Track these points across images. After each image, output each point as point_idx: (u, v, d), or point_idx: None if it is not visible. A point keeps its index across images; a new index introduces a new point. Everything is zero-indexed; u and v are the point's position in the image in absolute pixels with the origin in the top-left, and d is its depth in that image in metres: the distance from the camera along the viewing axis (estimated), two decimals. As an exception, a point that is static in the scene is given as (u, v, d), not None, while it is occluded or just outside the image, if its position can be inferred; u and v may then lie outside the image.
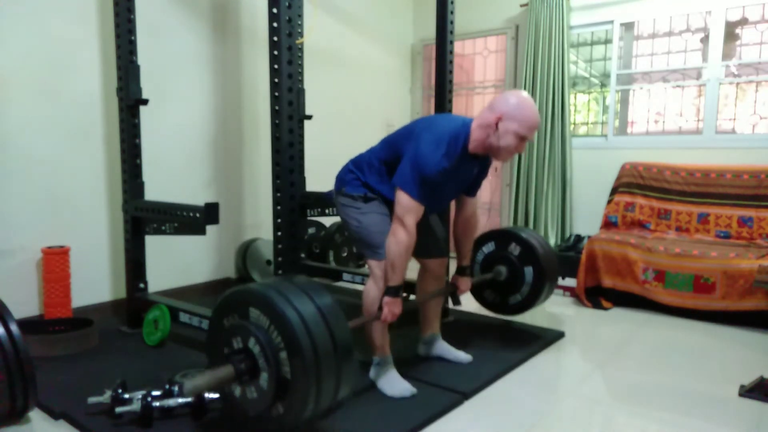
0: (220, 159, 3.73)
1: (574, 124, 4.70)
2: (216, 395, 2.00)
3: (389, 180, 2.16)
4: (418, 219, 2.07)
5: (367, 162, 2.25)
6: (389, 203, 2.18)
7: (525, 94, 2.07)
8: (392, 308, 2.10)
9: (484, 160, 2.26)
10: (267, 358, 1.54)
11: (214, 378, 1.55)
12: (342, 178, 2.29)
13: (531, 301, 2.84)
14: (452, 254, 2.58)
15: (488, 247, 2.93)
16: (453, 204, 2.50)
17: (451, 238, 2.62)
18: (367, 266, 2.26)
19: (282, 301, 1.55)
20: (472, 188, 2.36)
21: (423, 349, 2.58)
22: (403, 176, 2.03)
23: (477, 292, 3.00)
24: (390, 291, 2.09)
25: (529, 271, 2.81)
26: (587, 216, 4.45)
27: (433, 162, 2.00)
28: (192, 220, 2.52)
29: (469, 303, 3.60)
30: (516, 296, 2.86)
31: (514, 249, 2.85)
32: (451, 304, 3.24)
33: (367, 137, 4.82)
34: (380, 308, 2.12)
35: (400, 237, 2.03)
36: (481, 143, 2.09)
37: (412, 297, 2.74)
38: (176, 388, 1.98)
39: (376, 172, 2.21)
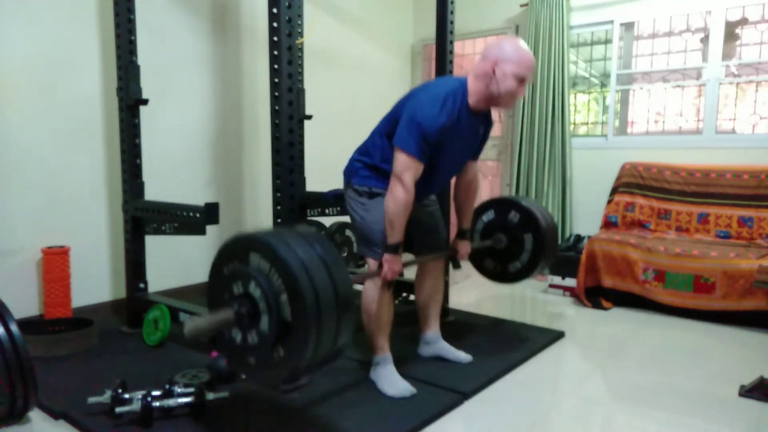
0: (220, 159, 3.73)
1: (574, 124, 4.70)
2: (215, 396, 2.00)
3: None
4: (417, 177, 2.06)
5: (370, 143, 2.25)
6: None
7: (516, 37, 2.08)
8: (392, 265, 2.09)
9: (486, 117, 2.25)
10: (268, 301, 1.50)
11: (215, 320, 1.53)
12: (349, 170, 2.29)
13: (531, 268, 2.78)
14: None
15: (488, 216, 2.88)
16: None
17: (452, 202, 2.60)
18: (366, 266, 2.26)
19: (283, 246, 1.52)
20: (476, 151, 2.36)
21: (423, 349, 2.58)
22: (401, 135, 2.03)
23: (477, 262, 2.94)
24: (389, 248, 2.09)
25: (528, 238, 2.76)
26: (587, 216, 4.45)
27: (431, 117, 2.00)
28: (192, 220, 2.52)
29: (469, 303, 3.61)
30: (516, 264, 2.81)
31: (514, 217, 2.80)
32: (451, 305, 3.25)
33: (367, 137, 4.83)
34: (381, 265, 2.11)
35: (397, 194, 2.02)
36: (481, 95, 2.10)
37: (412, 297, 2.74)
38: (176, 388, 1.99)
39: (379, 149, 2.19)
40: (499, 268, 2.88)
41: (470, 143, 2.26)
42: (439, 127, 2.01)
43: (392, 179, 2.05)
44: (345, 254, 4.21)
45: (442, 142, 2.08)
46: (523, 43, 2.07)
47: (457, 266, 2.54)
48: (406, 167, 2.02)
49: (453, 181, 2.51)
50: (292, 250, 1.52)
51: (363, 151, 2.27)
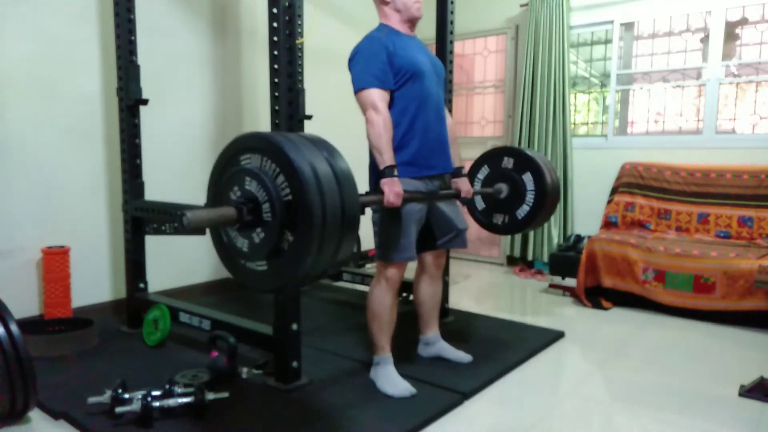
0: (220, 159, 3.73)
1: (574, 124, 4.70)
2: (215, 396, 2.00)
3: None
4: (386, 100, 2.10)
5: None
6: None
7: None
8: (392, 187, 2.02)
9: (421, 43, 2.33)
10: (270, 198, 1.45)
11: (216, 213, 1.47)
12: (372, 168, 2.25)
13: (539, 206, 2.71)
14: (454, 254, 2.57)
15: (483, 173, 2.84)
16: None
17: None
18: (376, 266, 2.25)
19: (296, 154, 1.45)
20: (442, 83, 2.39)
21: (423, 349, 2.58)
22: (354, 78, 2.11)
23: (487, 222, 2.88)
24: (384, 172, 2.05)
25: (527, 177, 2.72)
26: (587, 216, 4.45)
27: (368, 43, 2.11)
28: (192, 220, 2.52)
29: (469, 303, 3.60)
30: (523, 207, 2.74)
31: (508, 162, 2.77)
32: (450, 305, 3.25)
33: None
34: (381, 192, 2.04)
35: (372, 119, 2.06)
36: (397, 20, 2.22)
37: (411, 297, 2.74)
38: (176, 388, 1.99)
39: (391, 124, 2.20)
40: (509, 218, 2.81)
41: (429, 57, 2.30)
42: (381, 44, 2.10)
43: (365, 113, 2.09)
44: (345, 254, 4.21)
45: (399, 55, 2.12)
46: None
47: (464, 203, 2.57)
48: (371, 96, 2.07)
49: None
50: (302, 155, 1.45)
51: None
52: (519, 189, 2.74)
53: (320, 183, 1.42)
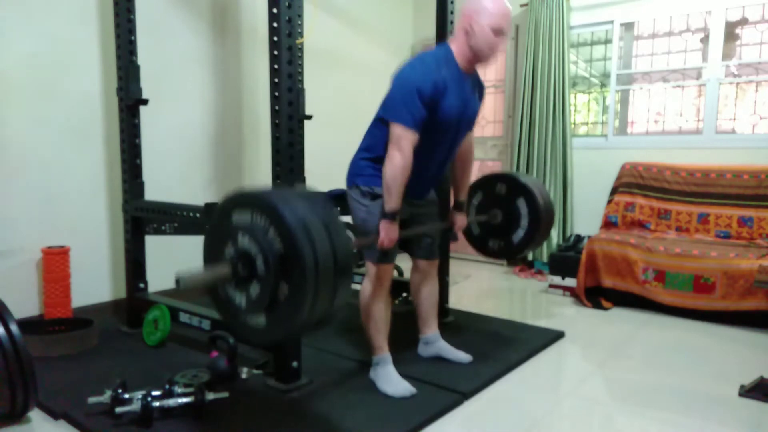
0: (220, 159, 3.73)
1: (574, 124, 4.70)
2: (215, 396, 2.00)
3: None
4: (414, 144, 2.04)
5: (369, 137, 2.22)
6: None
7: None
8: (389, 233, 2.07)
9: (477, 79, 2.26)
10: (266, 260, 1.48)
11: (211, 274, 1.52)
12: (354, 171, 2.26)
13: (533, 230, 2.75)
14: (454, 254, 2.57)
15: (477, 198, 2.88)
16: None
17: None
18: (365, 266, 2.26)
19: (284, 205, 1.49)
20: (472, 118, 2.34)
21: (423, 349, 2.58)
22: (392, 107, 2.04)
23: (482, 247, 2.92)
24: (387, 215, 2.07)
25: (521, 202, 2.75)
26: (587, 216, 4.45)
27: (421, 77, 2.00)
28: (192, 220, 2.52)
29: (469, 303, 3.60)
30: (518, 232, 2.79)
31: (501, 188, 2.80)
32: (450, 305, 3.25)
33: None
34: (377, 232, 2.09)
35: (394, 159, 2.02)
36: (464, 53, 2.11)
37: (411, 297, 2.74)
38: (176, 388, 1.99)
39: (380, 138, 2.16)
40: (504, 243, 2.86)
41: (470, 108, 2.23)
42: (431, 84, 2.00)
43: (389, 147, 2.04)
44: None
45: (441, 106, 2.06)
46: None
47: (454, 239, 2.55)
48: (401, 136, 2.01)
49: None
50: (291, 208, 1.48)
51: (365, 147, 2.25)
52: (513, 214, 2.79)
53: (310, 233, 1.46)
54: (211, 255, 1.65)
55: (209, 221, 1.68)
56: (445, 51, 2.13)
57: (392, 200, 2.05)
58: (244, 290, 1.55)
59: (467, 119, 2.25)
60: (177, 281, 1.42)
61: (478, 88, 2.29)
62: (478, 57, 2.11)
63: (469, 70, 2.17)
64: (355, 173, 2.25)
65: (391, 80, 2.11)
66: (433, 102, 2.03)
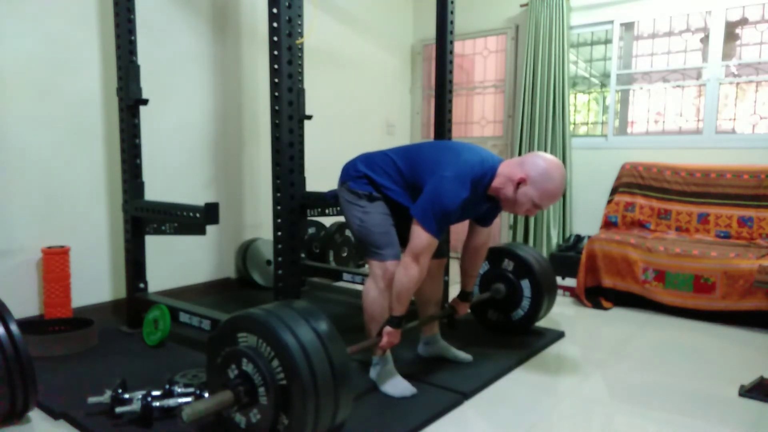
0: (220, 159, 3.73)
1: (574, 124, 4.70)
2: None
3: (404, 191, 2.17)
4: (432, 254, 2.07)
5: (381, 166, 2.21)
6: (393, 203, 2.19)
7: (556, 163, 2.01)
8: (392, 339, 2.12)
9: (496, 201, 2.22)
10: (266, 383, 1.55)
11: (214, 401, 1.56)
12: (348, 173, 2.27)
13: (533, 314, 2.82)
14: (454, 254, 2.57)
15: (483, 268, 2.93)
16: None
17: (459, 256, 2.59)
18: (367, 266, 2.26)
19: (281, 327, 1.57)
20: (486, 220, 2.35)
21: (423, 349, 2.58)
22: (424, 211, 2.00)
23: (480, 315, 2.99)
24: (392, 321, 2.10)
25: (525, 284, 2.81)
26: (587, 216, 4.45)
27: (455, 199, 1.98)
28: (192, 220, 2.52)
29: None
30: (518, 311, 2.85)
31: (508, 264, 2.85)
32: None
33: (367, 137, 4.84)
34: (380, 334, 2.13)
35: (411, 272, 2.02)
36: (498, 190, 2.08)
37: (412, 297, 2.73)
38: (176, 388, 1.99)
39: (391, 179, 2.19)
40: (503, 317, 2.92)
41: (473, 212, 2.25)
42: (459, 204, 2.00)
43: (408, 256, 2.03)
44: (345, 254, 4.22)
45: (458, 219, 2.12)
46: (559, 171, 2.00)
47: (453, 327, 2.56)
48: (425, 247, 2.01)
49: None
50: (295, 337, 1.56)
51: (370, 165, 2.23)
52: (516, 294, 2.83)
53: (311, 361, 1.54)
54: (214, 371, 1.70)
55: (215, 334, 1.73)
56: (491, 174, 2.08)
57: (400, 308, 2.09)
58: (245, 414, 1.62)
59: (478, 220, 2.32)
60: (180, 416, 1.45)
61: (495, 203, 2.25)
62: (504, 204, 2.11)
63: (492, 196, 2.15)
64: (348, 176, 2.26)
65: (430, 153, 2.12)
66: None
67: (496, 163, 2.10)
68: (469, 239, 2.40)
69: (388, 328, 2.11)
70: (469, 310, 2.56)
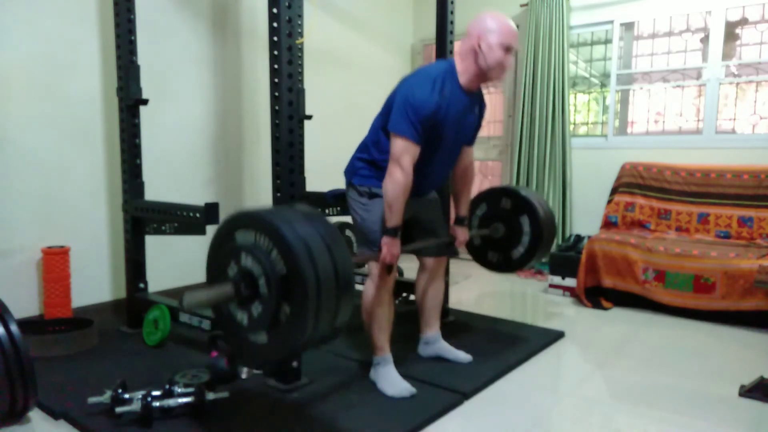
0: (220, 159, 3.73)
1: (574, 124, 4.70)
2: (215, 396, 2.00)
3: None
4: (415, 160, 2.06)
5: (369, 139, 2.24)
6: None
7: (489, 11, 2.11)
8: (391, 248, 2.08)
9: (479, 97, 2.26)
10: (268, 279, 1.50)
11: (214, 293, 1.53)
12: (350, 170, 2.29)
13: (533, 249, 2.76)
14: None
15: (481, 209, 2.88)
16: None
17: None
18: (367, 266, 2.26)
19: (285, 225, 1.51)
20: (472, 135, 2.36)
21: (423, 349, 2.58)
22: (395, 120, 2.03)
23: (481, 257, 2.94)
24: (389, 231, 2.08)
25: (525, 220, 2.75)
26: (587, 216, 4.45)
27: (423, 97, 2.00)
28: (192, 220, 2.52)
29: (469, 303, 3.60)
30: (518, 249, 2.79)
31: (506, 203, 2.80)
32: (450, 305, 3.25)
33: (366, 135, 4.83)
34: (379, 249, 2.10)
35: (396, 177, 2.03)
36: (471, 72, 2.11)
37: (412, 297, 2.74)
38: (176, 388, 1.99)
39: (377, 144, 2.18)
40: (503, 257, 2.87)
41: (466, 125, 2.24)
42: (433, 106, 2.02)
43: (390, 163, 2.05)
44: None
45: (439, 124, 2.08)
46: (502, 15, 2.09)
47: (454, 254, 2.53)
48: (403, 151, 2.02)
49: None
50: (293, 229, 1.50)
51: (362, 148, 2.27)
52: (515, 230, 2.79)
53: (312, 254, 1.48)
54: (213, 272, 1.66)
55: (213, 240, 1.69)
56: (449, 68, 2.13)
57: (394, 217, 2.07)
58: (246, 309, 1.58)
59: (464, 135, 2.28)
60: (180, 300, 1.43)
61: (479, 106, 2.29)
62: (486, 76, 2.12)
63: (471, 89, 2.16)
64: (351, 173, 2.28)
65: (394, 90, 2.12)
66: (432, 121, 2.05)
67: (451, 59, 2.17)
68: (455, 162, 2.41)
69: (385, 239, 2.08)
70: (469, 237, 2.52)
